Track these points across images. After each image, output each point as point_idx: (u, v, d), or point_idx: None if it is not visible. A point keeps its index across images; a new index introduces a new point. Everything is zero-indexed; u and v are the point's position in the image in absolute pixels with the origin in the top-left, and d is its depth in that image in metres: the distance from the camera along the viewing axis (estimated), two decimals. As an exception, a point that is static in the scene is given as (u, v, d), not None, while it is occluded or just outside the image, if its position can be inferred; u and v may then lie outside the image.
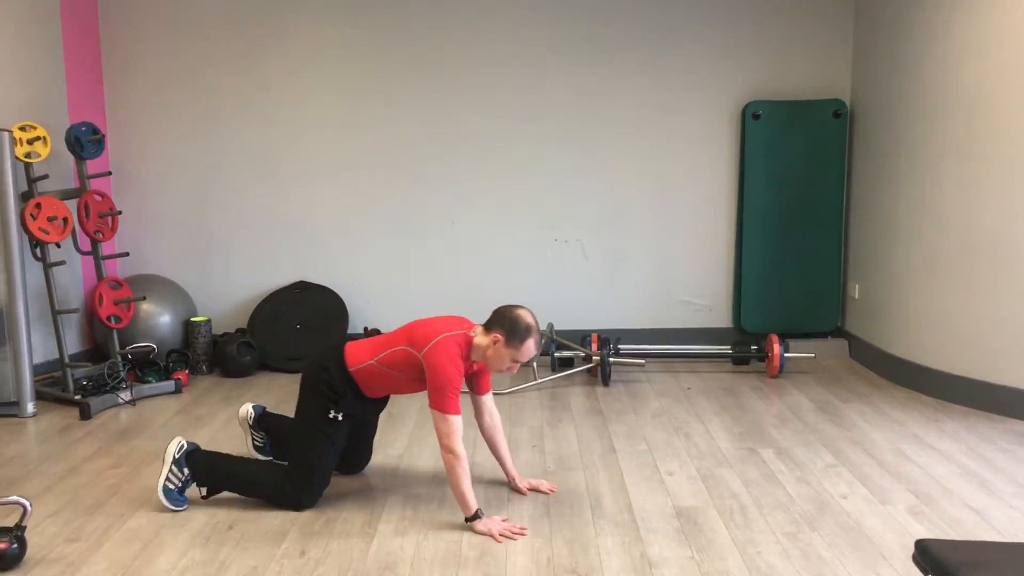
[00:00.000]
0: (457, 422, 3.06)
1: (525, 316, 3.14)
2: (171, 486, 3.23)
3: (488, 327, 3.17)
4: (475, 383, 3.37)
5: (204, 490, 3.30)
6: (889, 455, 3.82)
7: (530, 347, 3.14)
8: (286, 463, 3.33)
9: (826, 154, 5.65)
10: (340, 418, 3.25)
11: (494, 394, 4.80)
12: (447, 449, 3.05)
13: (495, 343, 3.12)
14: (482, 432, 3.45)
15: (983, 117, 4.36)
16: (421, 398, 4.78)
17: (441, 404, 3.05)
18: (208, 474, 3.29)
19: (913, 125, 4.88)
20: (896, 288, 5.08)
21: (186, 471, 3.26)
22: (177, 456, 3.25)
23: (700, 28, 5.65)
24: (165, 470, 3.23)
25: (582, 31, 5.65)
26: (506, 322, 3.12)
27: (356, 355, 3.25)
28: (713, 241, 5.85)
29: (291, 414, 3.91)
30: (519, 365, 3.21)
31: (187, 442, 3.30)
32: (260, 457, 3.76)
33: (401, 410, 4.57)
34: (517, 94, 5.71)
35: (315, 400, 3.25)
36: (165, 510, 3.23)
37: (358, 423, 3.44)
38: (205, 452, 3.36)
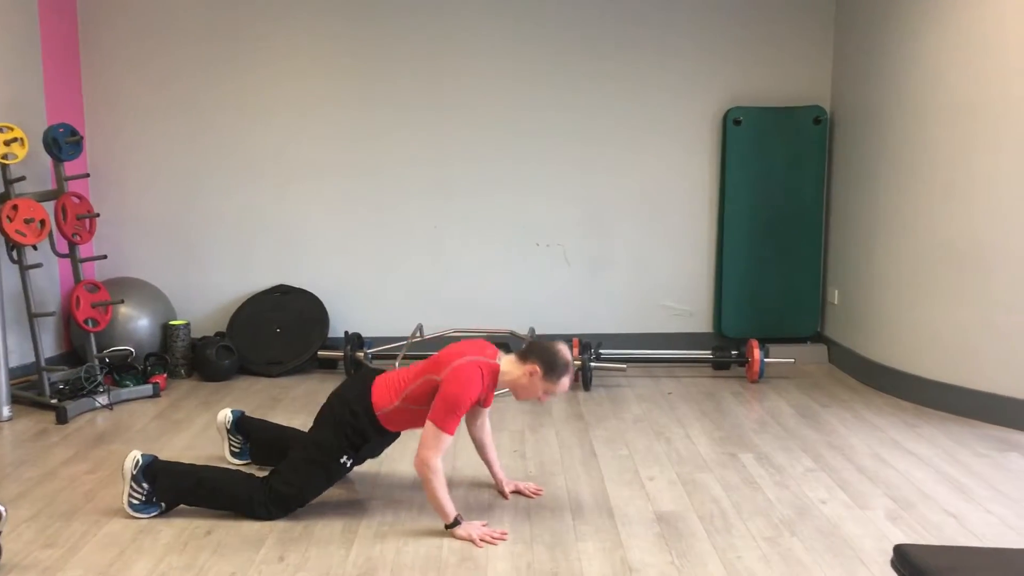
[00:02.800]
0: (448, 441, 3.03)
1: (564, 352, 3.14)
2: (135, 501, 3.20)
3: (523, 358, 3.16)
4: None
5: (163, 504, 3.24)
6: (868, 460, 3.84)
7: (565, 383, 3.15)
8: (267, 475, 3.26)
9: (806, 160, 5.68)
10: (349, 464, 3.23)
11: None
12: (425, 461, 3.00)
13: (531, 375, 3.11)
14: (472, 435, 3.44)
15: (961, 124, 4.40)
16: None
17: (443, 421, 3.01)
18: (170, 486, 3.22)
19: (892, 132, 4.92)
20: (875, 294, 5.12)
21: (145, 485, 3.19)
22: (134, 472, 3.18)
23: (682, 35, 5.67)
24: (126, 487, 3.19)
25: (565, 39, 5.65)
26: (546, 355, 3.12)
27: (383, 396, 3.19)
28: (694, 246, 5.87)
29: (270, 419, 3.91)
30: (549, 398, 3.21)
31: (142, 455, 3.21)
32: (235, 462, 3.74)
33: (382, 415, 4.54)
34: (499, 100, 5.70)
35: (335, 439, 3.19)
36: (144, 518, 3.20)
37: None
38: (165, 464, 3.27)
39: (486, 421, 3.43)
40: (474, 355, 3.12)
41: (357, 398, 3.22)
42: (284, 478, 3.21)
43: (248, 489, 3.21)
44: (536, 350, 3.16)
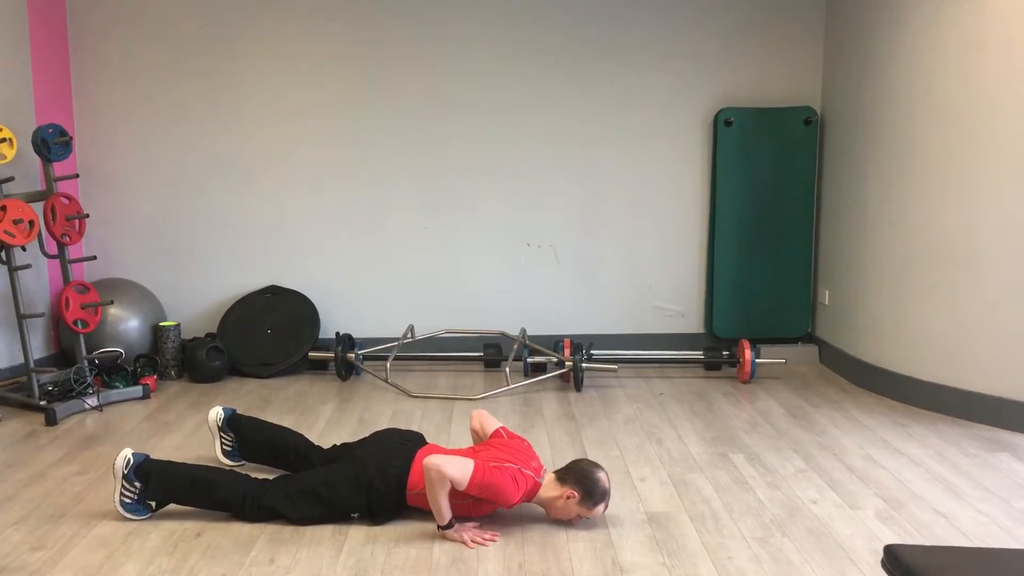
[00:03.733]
0: (462, 480, 2.97)
1: (604, 480, 3.11)
2: (128, 500, 3.17)
3: (563, 480, 3.13)
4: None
5: (154, 503, 3.22)
6: (858, 460, 3.85)
7: (599, 511, 3.13)
8: (270, 483, 3.23)
9: (797, 161, 5.70)
10: (354, 519, 3.19)
11: (467, 399, 4.79)
12: (440, 471, 2.95)
13: (568, 499, 3.09)
14: (474, 436, 3.47)
15: (952, 124, 4.41)
16: (394, 403, 4.77)
17: (476, 474, 2.98)
18: (163, 486, 3.19)
19: (883, 132, 4.93)
20: (865, 294, 5.13)
21: (137, 484, 3.17)
22: (126, 471, 3.15)
23: (672, 37, 5.68)
24: (118, 486, 3.17)
25: (556, 39, 5.66)
26: (586, 483, 3.09)
27: (421, 476, 3.09)
28: (685, 247, 5.88)
29: (262, 418, 3.87)
30: (580, 521, 3.17)
31: (133, 454, 3.19)
32: (226, 462, 3.72)
33: (373, 415, 4.54)
34: (490, 100, 5.70)
35: (354, 497, 3.14)
36: (133, 519, 3.19)
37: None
38: (158, 462, 3.24)
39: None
40: (523, 465, 3.11)
41: (396, 472, 3.17)
42: (288, 497, 3.17)
43: (243, 490, 3.19)
44: (577, 475, 3.12)
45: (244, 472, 3.37)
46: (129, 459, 3.17)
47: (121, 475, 3.16)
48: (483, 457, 3.12)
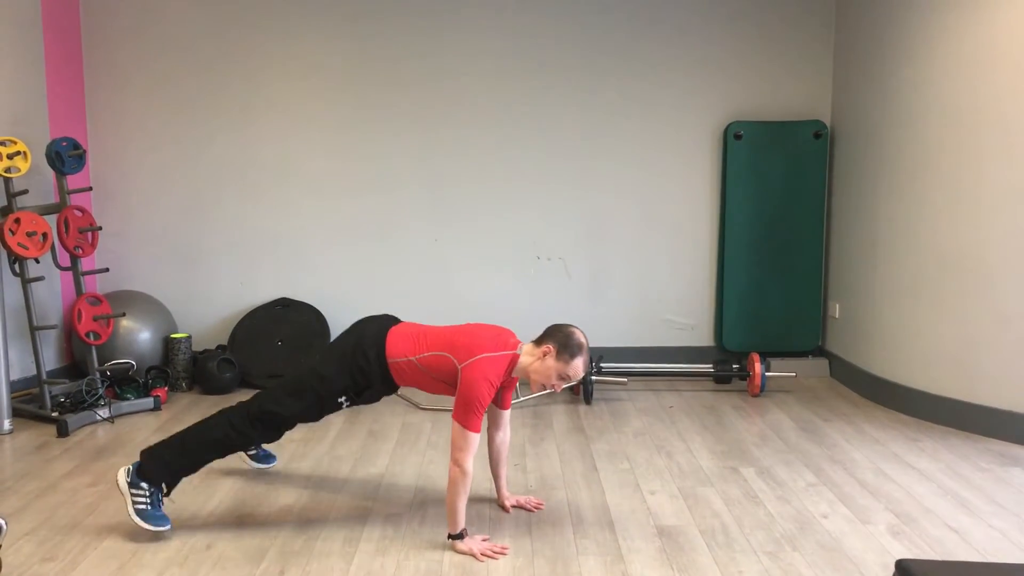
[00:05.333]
0: (475, 440, 3.03)
1: (578, 334, 3.15)
2: (142, 506, 3.13)
3: (538, 342, 3.18)
4: (499, 396, 3.33)
5: (165, 487, 3.20)
6: (869, 474, 3.83)
7: (578, 365, 3.13)
8: (252, 396, 3.26)
9: (807, 175, 5.70)
10: (345, 405, 3.22)
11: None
12: (458, 463, 3.01)
13: (545, 355, 3.12)
14: (490, 444, 3.43)
15: (962, 137, 4.41)
16: (404, 415, 4.78)
17: (465, 419, 3.01)
18: (161, 465, 3.17)
19: (892, 145, 4.93)
20: (876, 308, 5.12)
21: (144, 485, 3.14)
22: (129, 479, 3.14)
23: (683, 50, 5.70)
24: (127, 499, 3.13)
25: (567, 52, 5.68)
26: (559, 336, 3.14)
27: (397, 347, 3.19)
28: (695, 260, 5.88)
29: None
30: (564, 384, 3.18)
31: (130, 464, 3.18)
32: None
33: (383, 427, 4.54)
34: (501, 113, 5.73)
35: (339, 376, 3.17)
36: (145, 531, 3.15)
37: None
38: (146, 449, 3.22)
39: (508, 427, 3.43)
40: (494, 349, 3.12)
41: (372, 341, 3.21)
42: (275, 397, 3.21)
43: (229, 420, 3.21)
44: (551, 331, 3.18)
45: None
46: (128, 469, 3.16)
47: (126, 487, 3.13)
48: (459, 346, 3.11)
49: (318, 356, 3.31)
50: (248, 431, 3.21)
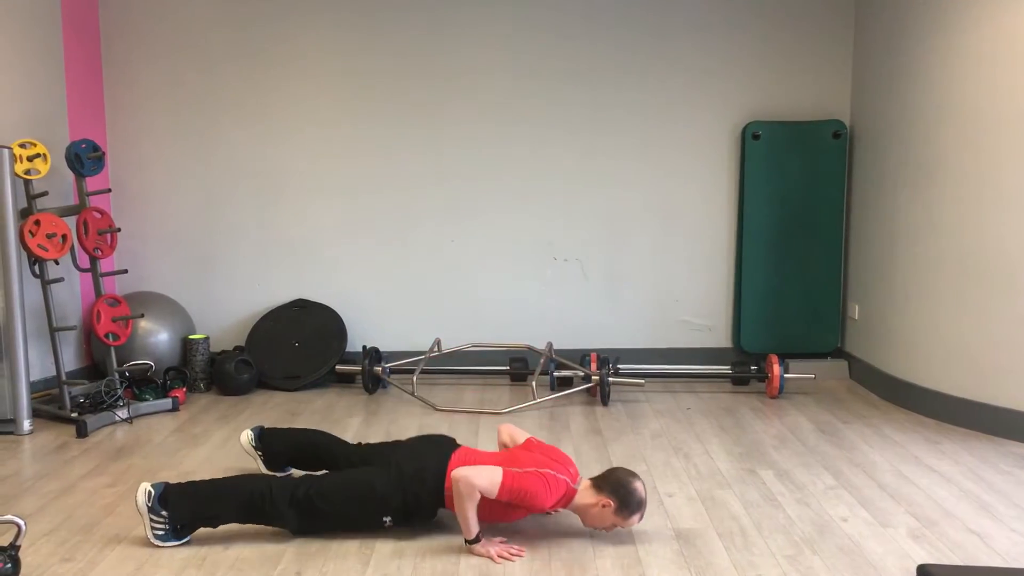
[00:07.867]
0: (493, 489, 2.98)
1: (640, 491, 3.10)
2: (160, 531, 3.10)
3: (599, 488, 3.12)
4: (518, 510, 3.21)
5: (182, 527, 3.13)
6: (889, 477, 3.80)
7: (635, 520, 3.11)
8: (303, 477, 3.20)
9: (826, 175, 5.66)
10: (387, 524, 3.15)
11: (493, 413, 4.80)
12: (470, 482, 2.95)
13: (604, 507, 3.08)
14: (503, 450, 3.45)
15: (982, 137, 4.37)
16: (421, 416, 4.78)
17: (505, 481, 2.97)
18: (187, 501, 3.11)
19: (912, 146, 4.89)
20: (896, 309, 5.07)
21: (164, 513, 3.09)
22: (150, 504, 3.09)
23: (700, 49, 5.67)
24: (146, 520, 3.09)
25: (584, 52, 5.67)
26: (621, 492, 3.07)
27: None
28: (713, 261, 5.85)
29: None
30: (615, 529, 3.17)
31: (153, 485, 3.12)
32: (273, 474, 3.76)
33: (400, 429, 4.55)
34: (518, 115, 5.72)
35: (392, 496, 3.12)
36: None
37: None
38: (177, 485, 3.17)
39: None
40: (559, 472, 3.10)
41: (434, 468, 3.16)
42: (324, 493, 3.13)
43: (270, 482, 3.13)
44: (613, 484, 3.10)
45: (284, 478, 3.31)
46: (150, 491, 3.10)
47: (146, 508, 3.09)
48: (518, 462, 3.11)
49: (373, 466, 3.24)
50: (283, 508, 3.10)
